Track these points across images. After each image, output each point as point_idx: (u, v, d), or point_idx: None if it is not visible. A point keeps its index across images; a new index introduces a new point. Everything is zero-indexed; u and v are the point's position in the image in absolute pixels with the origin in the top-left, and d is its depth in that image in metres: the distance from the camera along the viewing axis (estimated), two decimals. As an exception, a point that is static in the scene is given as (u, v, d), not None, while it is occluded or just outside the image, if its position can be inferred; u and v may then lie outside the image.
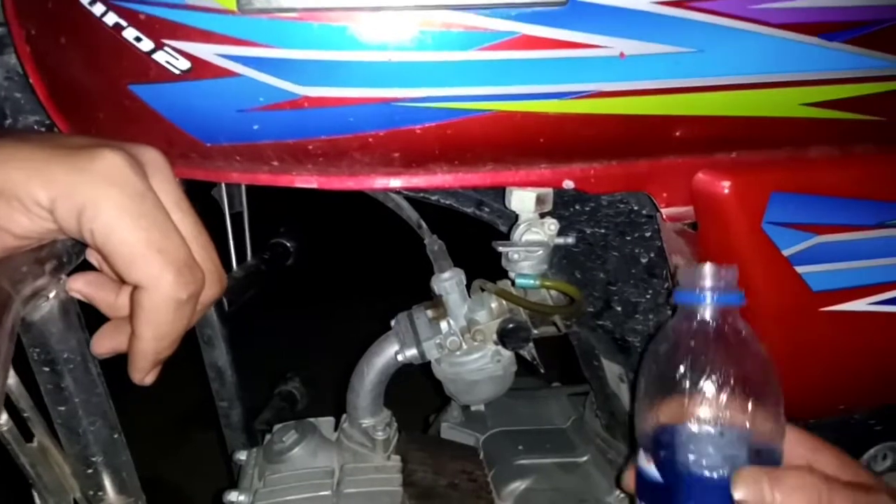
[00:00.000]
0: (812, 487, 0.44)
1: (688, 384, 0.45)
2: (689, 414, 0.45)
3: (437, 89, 0.45)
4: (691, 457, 0.45)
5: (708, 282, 0.47)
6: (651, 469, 0.47)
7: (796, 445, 0.47)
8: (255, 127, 0.46)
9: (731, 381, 0.45)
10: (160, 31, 0.42)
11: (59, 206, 0.37)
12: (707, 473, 0.44)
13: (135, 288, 0.39)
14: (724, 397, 0.45)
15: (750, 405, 0.45)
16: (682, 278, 0.49)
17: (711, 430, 0.44)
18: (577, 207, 0.63)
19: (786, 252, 0.55)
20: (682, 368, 0.46)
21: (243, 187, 0.81)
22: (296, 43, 0.43)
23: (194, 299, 0.40)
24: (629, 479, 0.51)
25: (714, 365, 0.45)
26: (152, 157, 0.41)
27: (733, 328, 0.47)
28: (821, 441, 0.49)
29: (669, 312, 0.52)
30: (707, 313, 0.47)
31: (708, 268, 0.47)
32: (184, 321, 0.41)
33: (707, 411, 0.45)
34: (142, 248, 0.38)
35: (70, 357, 0.46)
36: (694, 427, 0.45)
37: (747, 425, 0.45)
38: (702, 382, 0.45)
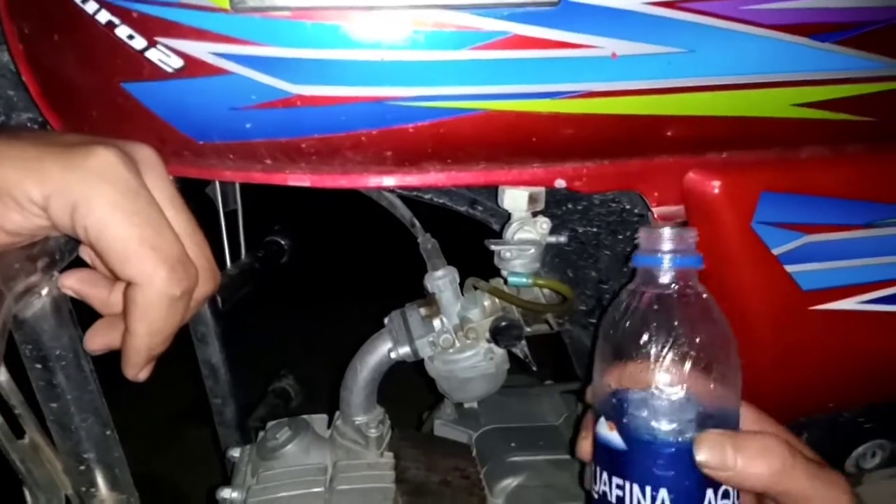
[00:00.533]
0: (775, 453, 0.43)
1: (651, 348, 0.45)
2: (653, 378, 0.44)
3: (429, 88, 0.45)
4: (654, 422, 0.44)
5: (666, 245, 0.46)
6: (612, 436, 0.46)
7: (745, 420, 0.47)
8: (248, 125, 0.46)
9: (695, 345, 0.44)
10: (153, 29, 0.42)
11: (52, 203, 0.37)
12: (671, 438, 0.44)
13: (128, 284, 0.39)
14: (688, 361, 0.44)
15: (713, 369, 0.44)
16: (642, 241, 0.48)
17: (676, 393, 0.44)
18: (570, 206, 0.63)
19: (776, 251, 0.55)
20: (644, 333, 0.45)
21: (237, 185, 0.81)
22: (289, 41, 0.43)
23: (188, 296, 0.40)
24: (585, 448, 0.50)
25: (677, 328, 0.45)
26: (146, 155, 0.41)
27: (694, 291, 0.47)
28: (765, 415, 0.48)
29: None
30: (666, 277, 0.47)
31: (666, 230, 0.47)
32: (177, 318, 0.41)
33: (671, 376, 0.44)
34: (135, 245, 0.38)
35: (62, 354, 0.46)
36: (658, 391, 0.44)
37: (711, 388, 0.44)
38: (666, 346, 0.44)
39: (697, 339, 0.44)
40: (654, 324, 0.45)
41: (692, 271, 0.47)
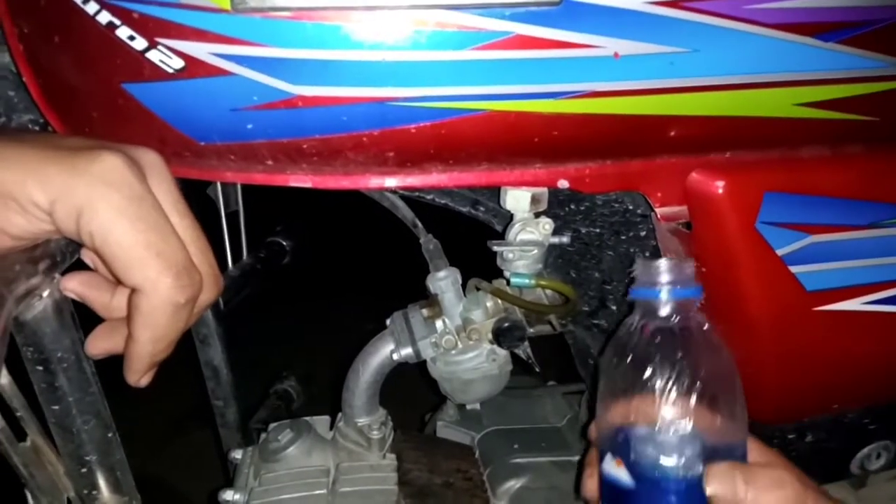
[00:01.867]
0: (787, 485, 0.43)
1: (655, 383, 0.44)
2: (658, 414, 0.44)
3: (431, 89, 0.45)
4: (662, 457, 0.43)
5: (664, 276, 0.46)
6: (619, 472, 0.45)
7: (751, 453, 0.47)
8: (249, 126, 0.46)
9: (699, 378, 0.44)
10: (154, 29, 0.42)
11: (57, 208, 0.37)
12: (679, 473, 0.43)
13: (132, 291, 0.39)
14: (693, 395, 0.43)
15: (718, 402, 0.44)
16: (639, 273, 0.48)
17: (682, 428, 0.43)
18: (572, 207, 0.63)
19: (779, 252, 0.55)
20: (647, 367, 0.45)
21: (239, 186, 0.81)
22: (290, 42, 0.43)
23: (192, 303, 0.40)
24: (591, 487, 0.49)
25: (680, 362, 0.44)
26: (151, 160, 0.41)
27: (695, 323, 0.46)
28: (775, 454, 0.47)
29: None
30: (665, 309, 0.46)
31: (663, 262, 0.46)
32: (181, 324, 0.40)
33: (677, 410, 0.43)
34: (140, 251, 0.37)
35: (64, 356, 0.46)
36: (664, 426, 0.43)
37: (717, 421, 0.44)
38: (670, 381, 0.44)
39: (701, 372, 0.44)
40: (657, 358, 0.45)
41: (692, 302, 0.46)
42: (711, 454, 0.44)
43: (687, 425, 0.43)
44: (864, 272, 0.58)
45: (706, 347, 0.46)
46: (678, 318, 0.46)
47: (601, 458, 0.47)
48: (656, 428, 0.44)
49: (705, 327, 0.46)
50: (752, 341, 0.58)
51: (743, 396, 0.46)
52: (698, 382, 0.44)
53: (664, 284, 0.46)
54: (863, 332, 0.60)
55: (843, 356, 0.62)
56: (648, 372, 0.44)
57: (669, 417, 0.43)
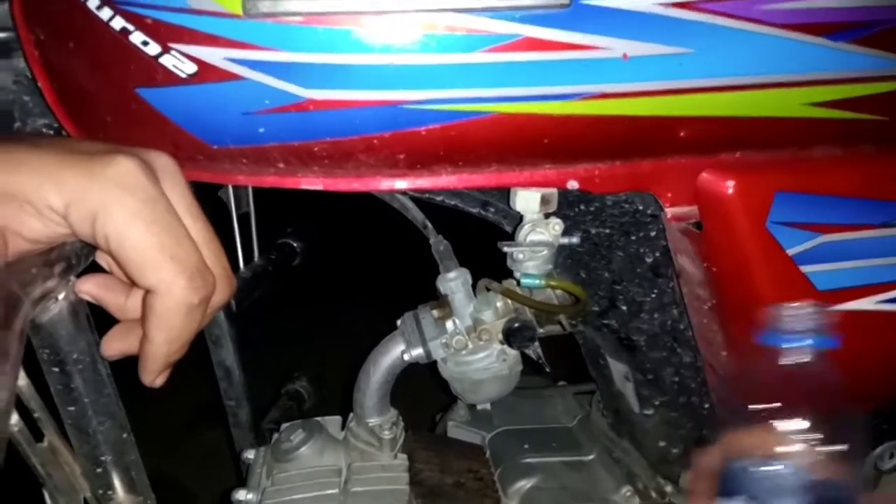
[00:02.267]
0: None
1: (782, 426, 0.45)
2: (780, 455, 0.44)
3: (441, 91, 0.45)
4: (779, 500, 0.44)
5: (803, 325, 0.46)
6: None
7: None
8: (261, 129, 0.46)
9: (824, 427, 0.44)
10: (167, 35, 0.43)
11: (73, 212, 0.37)
12: None
13: (147, 292, 0.39)
14: (818, 443, 0.44)
15: (840, 452, 0.44)
16: (776, 321, 0.48)
17: (802, 475, 0.44)
18: (582, 207, 0.63)
19: (790, 251, 0.55)
20: (772, 411, 0.45)
21: (250, 188, 0.81)
22: (301, 46, 0.43)
23: (205, 304, 0.41)
24: None
25: (807, 409, 0.45)
26: (164, 163, 0.41)
27: (825, 371, 0.46)
28: None
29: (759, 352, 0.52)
30: (800, 357, 0.46)
31: (803, 311, 0.47)
32: (194, 325, 0.41)
33: (801, 455, 0.44)
34: (154, 254, 0.38)
35: (79, 358, 0.47)
36: (785, 470, 0.44)
37: (836, 473, 0.44)
38: (797, 426, 0.44)
39: (825, 420, 0.44)
40: (783, 403, 0.45)
41: (825, 352, 0.47)
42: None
43: (807, 472, 0.44)
44: (876, 271, 0.58)
45: (832, 397, 0.46)
46: (810, 365, 0.46)
47: (712, 494, 0.48)
48: (774, 469, 0.44)
49: (835, 378, 0.47)
50: (763, 341, 0.58)
51: (864, 454, 0.47)
52: (822, 430, 0.44)
53: (801, 333, 0.46)
54: (875, 331, 0.60)
55: (855, 355, 0.62)
56: (772, 415, 0.45)
57: (790, 460, 0.44)
